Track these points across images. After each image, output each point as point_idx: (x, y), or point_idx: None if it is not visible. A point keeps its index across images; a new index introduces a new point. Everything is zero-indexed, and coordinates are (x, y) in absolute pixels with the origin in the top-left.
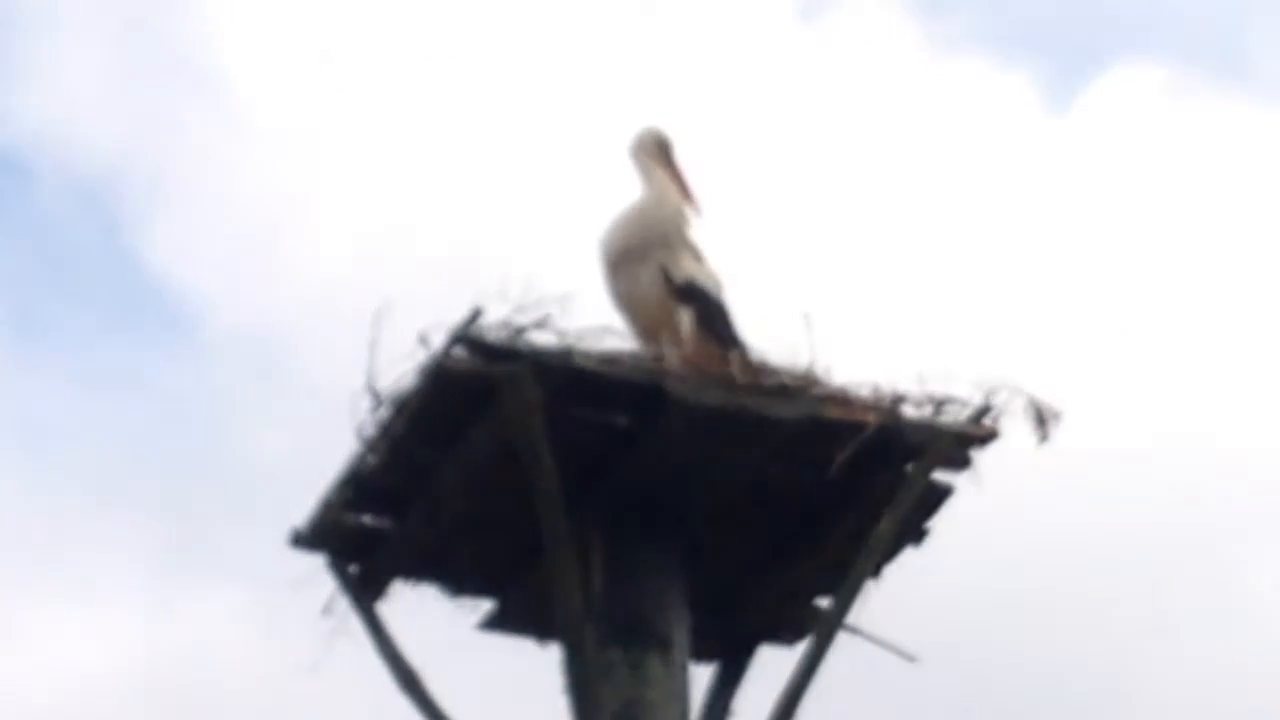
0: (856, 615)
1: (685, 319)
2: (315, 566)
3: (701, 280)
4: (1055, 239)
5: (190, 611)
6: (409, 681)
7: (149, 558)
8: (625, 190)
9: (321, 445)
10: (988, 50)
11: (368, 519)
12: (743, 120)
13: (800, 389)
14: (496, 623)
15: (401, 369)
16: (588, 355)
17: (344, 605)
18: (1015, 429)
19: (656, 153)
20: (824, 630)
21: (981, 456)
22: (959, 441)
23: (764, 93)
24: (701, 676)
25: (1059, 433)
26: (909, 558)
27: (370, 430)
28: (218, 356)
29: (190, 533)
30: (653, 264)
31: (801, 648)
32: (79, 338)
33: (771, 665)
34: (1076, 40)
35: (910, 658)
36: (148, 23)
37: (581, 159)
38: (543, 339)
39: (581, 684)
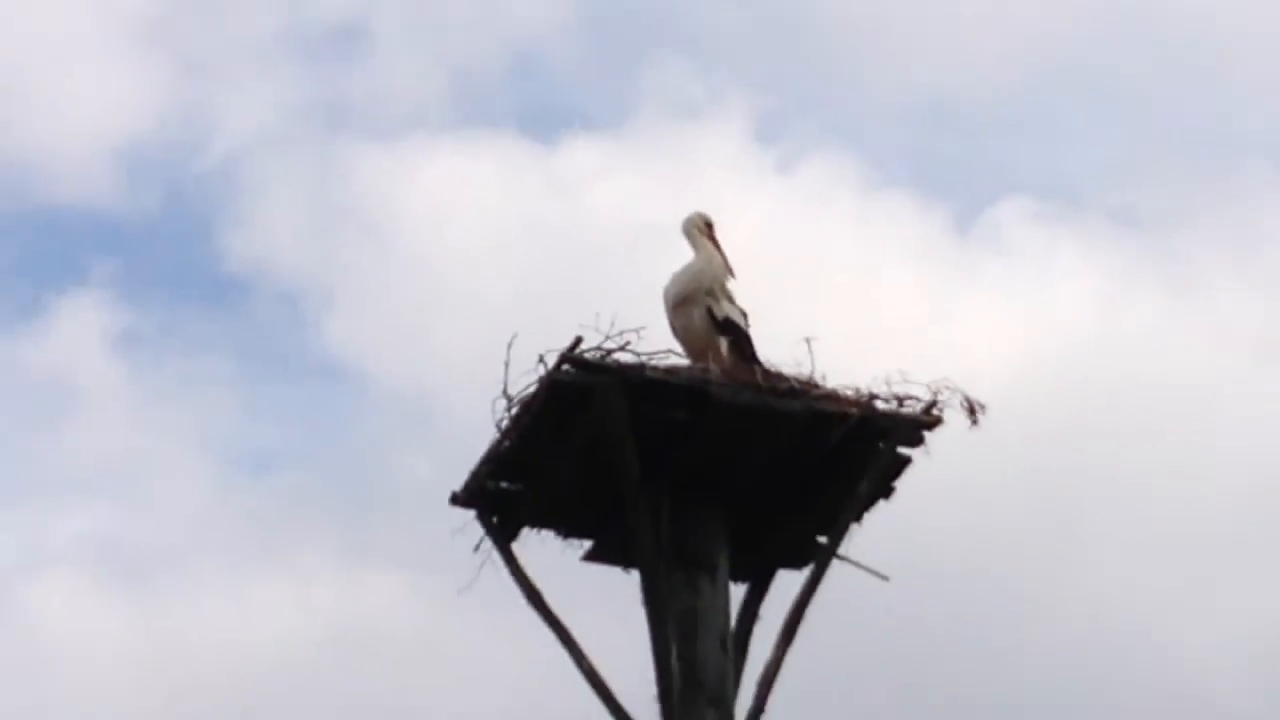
0: (846, 548)
1: (724, 345)
2: (467, 519)
3: (736, 318)
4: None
5: (366, 586)
6: (535, 599)
7: (337, 549)
8: (679, 255)
9: (452, 472)
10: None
11: (504, 484)
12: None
13: (804, 391)
14: (595, 556)
15: (526, 381)
16: (657, 369)
17: (487, 545)
18: (955, 417)
19: (703, 227)
20: (822, 558)
21: (932, 437)
22: (915, 426)
23: (754, 222)
24: (737, 592)
25: (986, 420)
26: (881, 508)
27: (505, 423)
28: (379, 410)
29: (366, 530)
30: (701, 307)
31: (807, 571)
32: (286, 398)
33: (787, 584)
34: (972, 180)
35: (884, 577)
36: (325, 180)
37: (642, 241)
38: (625, 358)
39: (654, 599)
